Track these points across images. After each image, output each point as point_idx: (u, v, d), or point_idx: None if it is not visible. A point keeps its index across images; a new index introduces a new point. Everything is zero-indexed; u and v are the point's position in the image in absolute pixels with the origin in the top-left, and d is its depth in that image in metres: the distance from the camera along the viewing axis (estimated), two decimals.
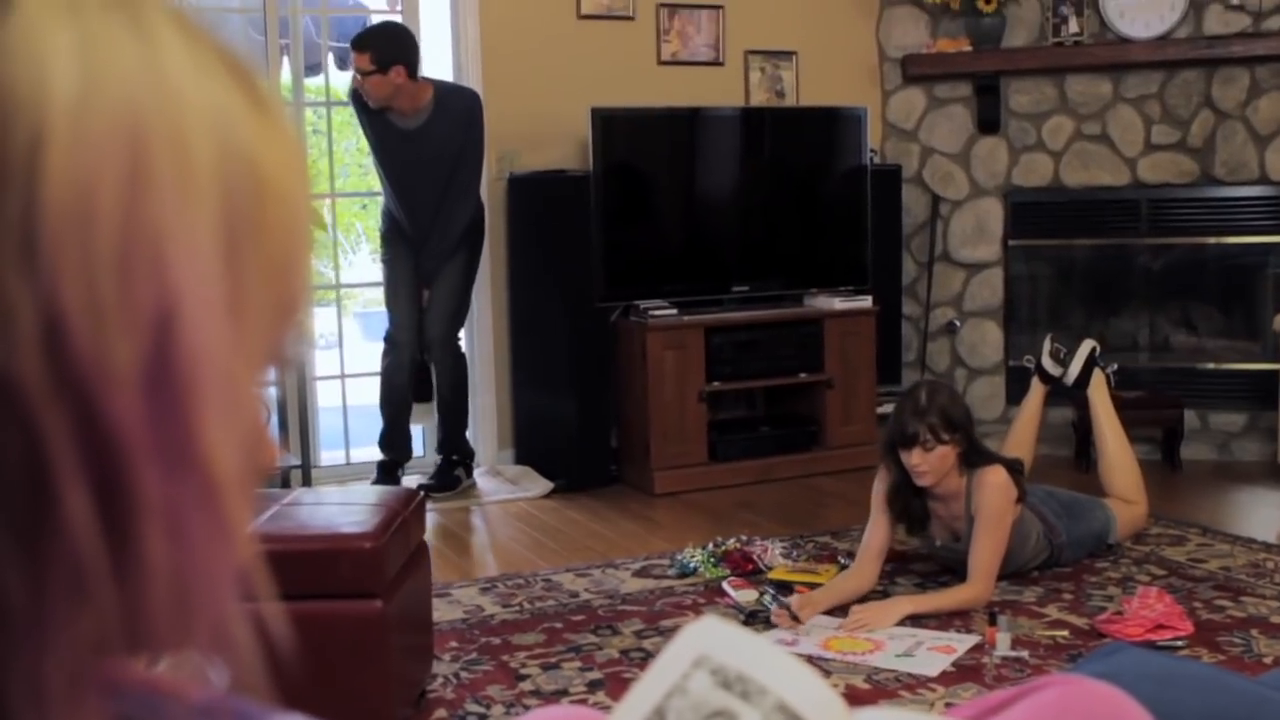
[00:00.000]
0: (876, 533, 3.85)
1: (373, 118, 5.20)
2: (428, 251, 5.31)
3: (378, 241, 5.46)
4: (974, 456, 3.77)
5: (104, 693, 0.51)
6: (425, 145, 5.17)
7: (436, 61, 5.85)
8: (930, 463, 3.70)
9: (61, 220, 0.47)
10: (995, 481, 3.75)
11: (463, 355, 5.56)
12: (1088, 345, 4.56)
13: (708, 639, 0.78)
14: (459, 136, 5.21)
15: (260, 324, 0.54)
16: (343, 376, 5.99)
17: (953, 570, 3.93)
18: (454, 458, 5.51)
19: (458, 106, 5.23)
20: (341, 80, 9.67)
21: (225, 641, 0.53)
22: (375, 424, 5.52)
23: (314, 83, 8.14)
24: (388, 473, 5.45)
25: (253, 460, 0.55)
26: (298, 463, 5.18)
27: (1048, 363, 4.58)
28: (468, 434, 5.67)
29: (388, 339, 5.44)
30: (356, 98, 5.23)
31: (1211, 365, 6.05)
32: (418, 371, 5.77)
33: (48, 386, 0.46)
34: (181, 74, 0.51)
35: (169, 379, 0.49)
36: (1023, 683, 3.10)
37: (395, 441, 5.48)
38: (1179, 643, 3.40)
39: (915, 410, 3.70)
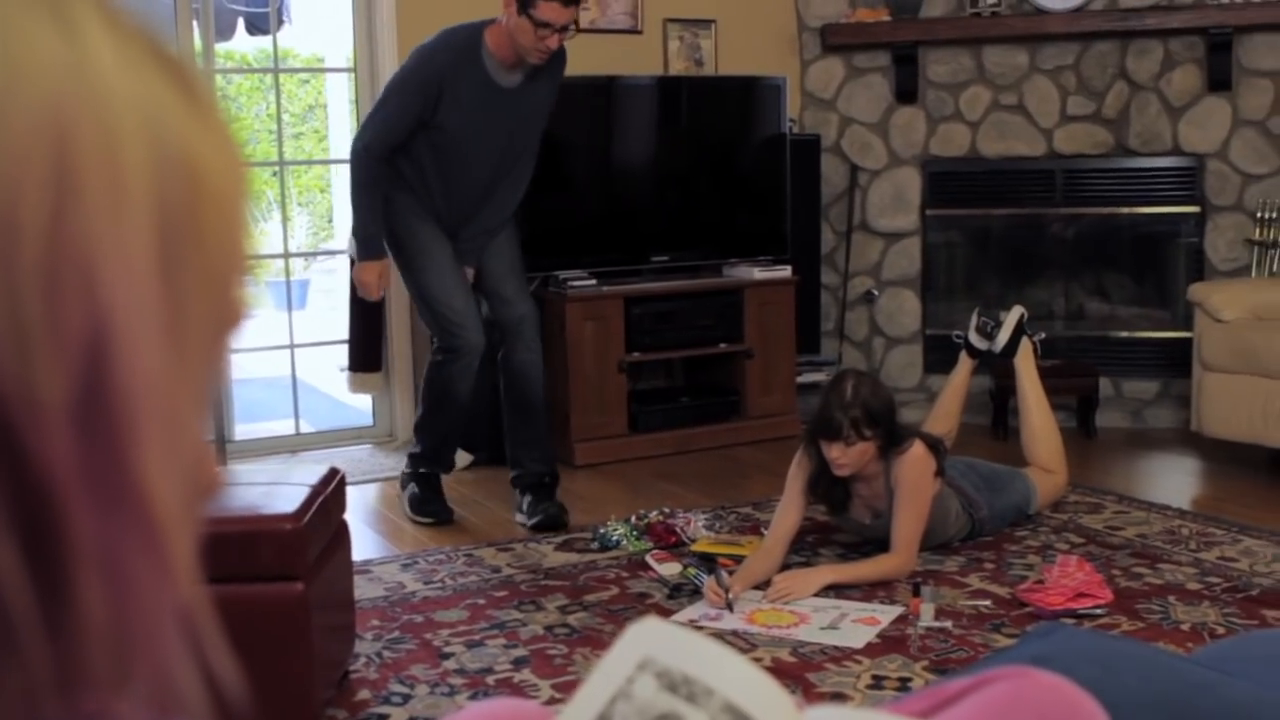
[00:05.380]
0: (787, 516, 3.84)
1: (462, 81, 4.21)
2: (477, 226, 4.45)
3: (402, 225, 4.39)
4: (892, 444, 3.77)
5: None
6: (520, 104, 4.33)
7: (342, 31, 5.76)
8: (850, 457, 3.70)
9: None
10: (913, 455, 3.77)
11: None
12: (1016, 312, 4.59)
13: (651, 641, 0.76)
14: (552, 93, 4.46)
15: (200, 342, 0.49)
16: (291, 347, 5.89)
17: (875, 543, 3.94)
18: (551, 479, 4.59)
19: (556, 58, 4.32)
20: (251, 44, 9.53)
21: (167, 686, 0.49)
22: (273, 396, 5.41)
23: (223, 48, 7.98)
24: (431, 486, 4.59)
25: (194, 489, 0.51)
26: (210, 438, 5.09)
27: (974, 337, 4.61)
28: (397, 411, 5.59)
29: (448, 344, 4.39)
30: (457, 54, 4.23)
31: (1125, 333, 6.13)
32: (371, 336, 5.61)
33: None
34: (108, 67, 0.46)
35: (103, 410, 0.44)
36: (946, 654, 3.11)
37: (446, 454, 4.66)
38: (1099, 611, 3.44)
39: (840, 404, 3.69)
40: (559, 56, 4.29)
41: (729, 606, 3.53)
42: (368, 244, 4.35)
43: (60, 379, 0.43)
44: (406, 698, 3.02)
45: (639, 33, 6.04)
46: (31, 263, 0.42)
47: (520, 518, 4.46)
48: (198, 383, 0.49)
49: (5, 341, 0.42)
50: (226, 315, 0.51)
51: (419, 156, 4.28)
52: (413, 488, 4.58)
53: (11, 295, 0.42)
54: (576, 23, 4.23)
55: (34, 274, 0.42)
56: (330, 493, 2.93)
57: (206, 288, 0.49)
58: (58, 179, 0.43)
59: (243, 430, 5.77)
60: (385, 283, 4.44)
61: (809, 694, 2.98)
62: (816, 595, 3.62)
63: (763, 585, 3.66)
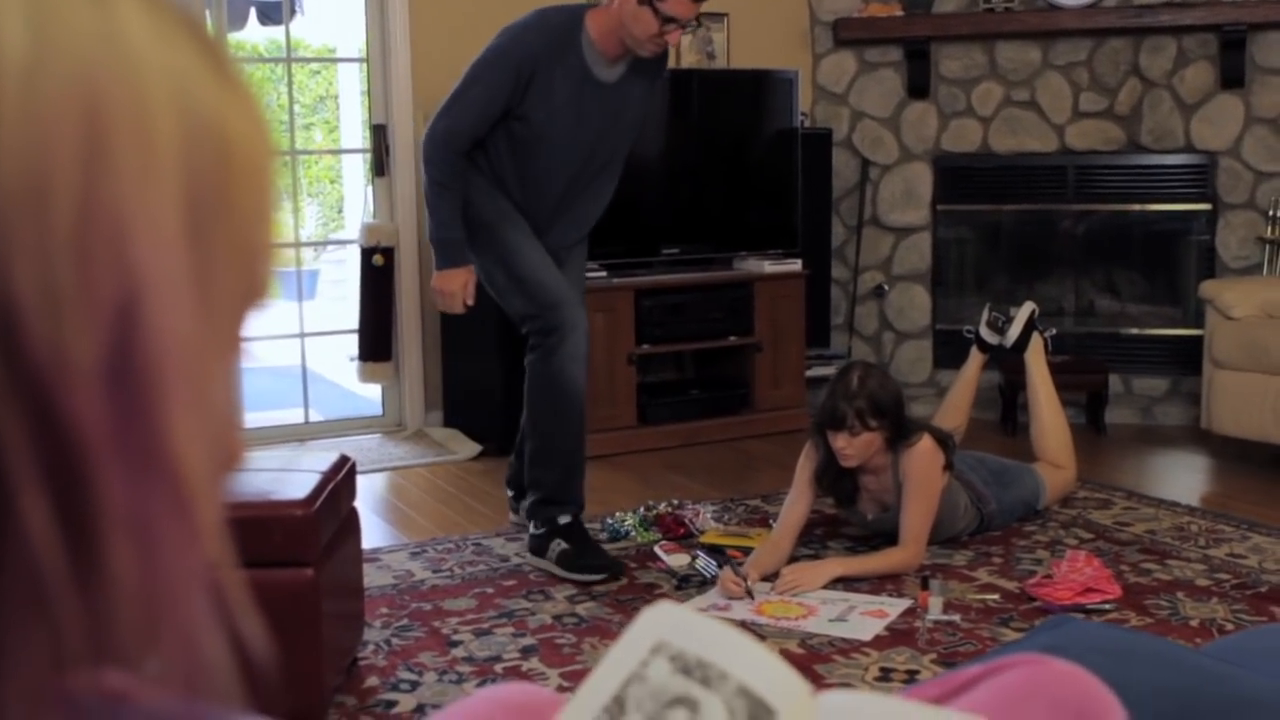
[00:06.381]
0: (796, 508, 3.84)
1: (556, 69, 3.70)
2: (553, 240, 3.94)
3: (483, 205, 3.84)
4: (900, 437, 3.77)
5: (61, 705, 0.47)
6: (616, 101, 3.83)
7: (355, 21, 5.76)
8: (855, 447, 3.71)
9: (14, 199, 0.42)
10: (922, 448, 3.77)
11: None
12: (1028, 308, 4.60)
13: (665, 625, 0.76)
14: (651, 93, 4.01)
15: (228, 308, 0.50)
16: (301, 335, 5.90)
17: (883, 536, 3.94)
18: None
19: (660, 55, 3.85)
20: (262, 34, 9.54)
21: (194, 650, 0.49)
22: (283, 385, 5.42)
23: (235, 37, 7.99)
24: (579, 535, 3.84)
25: (222, 455, 0.51)
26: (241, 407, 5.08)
27: (985, 332, 4.61)
28: (405, 398, 5.57)
29: (549, 325, 3.78)
30: (554, 37, 3.71)
31: (1135, 330, 6.12)
32: (380, 325, 5.55)
33: (1, 383, 0.42)
34: (139, 36, 0.46)
35: (133, 373, 0.45)
36: (954, 647, 3.11)
37: (575, 483, 3.90)
38: (1107, 606, 3.44)
39: (846, 394, 3.70)
40: (663, 54, 3.84)
41: (749, 594, 3.53)
42: (449, 250, 3.78)
43: (91, 343, 0.43)
44: (415, 685, 3.03)
45: None
46: (63, 228, 0.43)
47: (518, 520, 4.20)
48: (225, 349, 0.50)
49: (38, 306, 0.42)
50: (254, 284, 0.51)
51: (495, 148, 3.80)
52: (559, 545, 3.78)
53: (44, 260, 0.42)
54: (699, 17, 3.83)
55: (66, 239, 0.43)
56: (340, 480, 2.94)
57: (235, 255, 0.49)
58: (89, 146, 0.44)
59: (252, 419, 5.78)
60: (471, 292, 3.82)
61: (817, 685, 2.98)
62: (825, 588, 3.62)
63: (771, 577, 3.66)
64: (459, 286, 3.80)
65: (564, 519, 3.83)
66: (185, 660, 0.49)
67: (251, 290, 0.51)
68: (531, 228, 3.87)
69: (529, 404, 3.86)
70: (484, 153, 3.80)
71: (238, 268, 0.50)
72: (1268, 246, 5.74)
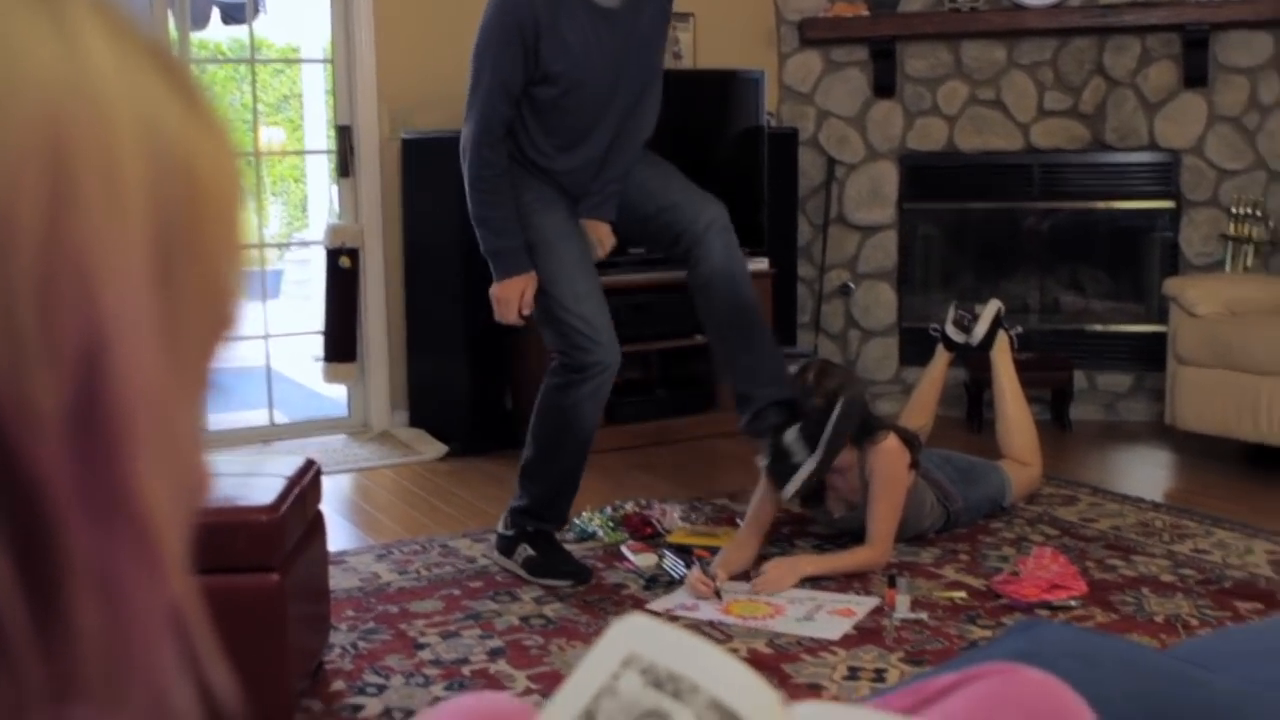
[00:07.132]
0: (763, 507, 3.83)
1: (561, 14, 3.42)
2: (607, 175, 3.71)
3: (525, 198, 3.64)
4: (865, 435, 3.76)
5: None
6: (628, 25, 3.55)
7: (319, 21, 5.73)
8: None
9: None
10: (888, 447, 3.77)
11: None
12: (994, 306, 4.61)
13: (636, 637, 0.75)
14: (664, 12, 3.70)
15: (195, 348, 0.48)
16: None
17: (850, 535, 3.94)
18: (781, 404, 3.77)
19: None
20: (225, 33, 9.48)
21: (161, 694, 0.48)
22: (247, 386, 5.38)
23: (198, 37, 7.95)
24: (548, 543, 3.81)
25: (187, 493, 0.50)
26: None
27: (952, 330, 4.62)
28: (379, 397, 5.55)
29: (577, 362, 3.62)
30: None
31: (1099, 327, 6.15)
32: (346, 326, 5.52)
33: None
34: (105, 68, 0.45)
35: (98, 420, 0.43)
36: (921, 645, 3.11)
37: (561, 505, 3.84)
38: (1073, 602, 3.45)
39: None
40: None
41: (717, 594, 3.52)
42: (506, 258, 3.58)
43: (56, 388, 0.42)
44: (381, 688, 3.01)
45: None
46: (27, 270, 0.41)
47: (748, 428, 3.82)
48: (193, 389, 0.49)
49: (1, 351, 0.41)
50: (222, 320, 0.50)
51: (522, 127, 3.56)
52: (525, 550, 3.76)
53: (7, 304, 0.41)
54: None
55: (30, 282, 0.41)
56: (306, 484, 2.91)
57: (203, 294, 0.48)
58: (54, 185, 0.42)
59: (216, 420, 5.74)
60: (529, 300, 3.60)
61: (785, 685, 2.98)
62: (792, 586, 3.62)
63: (739, 576, 3.66)
64: (516, 294, 3.60)
65: (533, 529, 3.79)
66: (152, 705, 0.48)
67: (219, 327, 0.50)
68: (582, 177, 3.67)
69: (535, 421, 3.74)
70: (512, 137, 3.57)
71: (206, 307, 0.48)
72: (1230, 244, 5.78)
